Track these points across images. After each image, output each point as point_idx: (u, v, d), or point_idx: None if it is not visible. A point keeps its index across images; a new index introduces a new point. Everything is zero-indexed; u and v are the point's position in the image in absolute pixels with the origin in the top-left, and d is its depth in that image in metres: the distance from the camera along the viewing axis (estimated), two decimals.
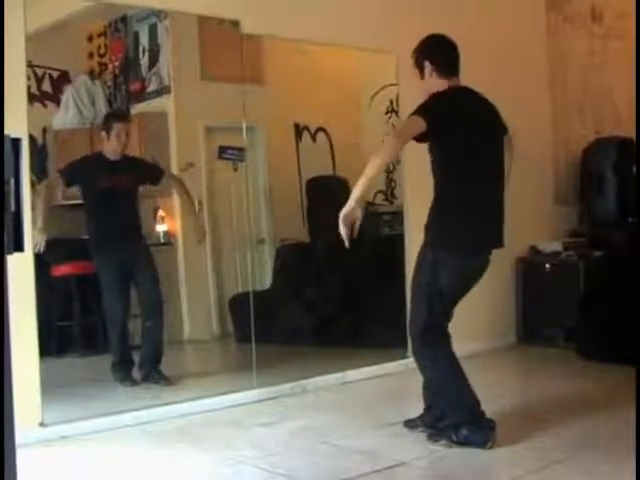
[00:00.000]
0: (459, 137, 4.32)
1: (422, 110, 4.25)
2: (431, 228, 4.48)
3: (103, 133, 6.39)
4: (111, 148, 6.33)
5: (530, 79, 7.71)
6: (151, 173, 6.71)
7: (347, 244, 4.16)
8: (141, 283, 6.41)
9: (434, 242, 4.45)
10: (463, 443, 4.37)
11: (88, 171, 6.34)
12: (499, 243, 4.61)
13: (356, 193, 4.17)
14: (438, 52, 4.56)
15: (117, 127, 6.32)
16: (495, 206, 4.58)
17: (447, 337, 4.53)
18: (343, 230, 4.14)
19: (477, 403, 4.43)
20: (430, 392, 4.63)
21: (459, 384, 4.46)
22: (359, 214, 4.16)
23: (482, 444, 4.33)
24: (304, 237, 8.55)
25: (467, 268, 4.47)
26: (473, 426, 4.38)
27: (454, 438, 4.40)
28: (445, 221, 4.44)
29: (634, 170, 7.24)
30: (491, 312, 7.15)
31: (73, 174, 6.35)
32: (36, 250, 5.99)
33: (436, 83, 4.49)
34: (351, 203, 4.14)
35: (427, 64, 4.51)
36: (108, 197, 6.26)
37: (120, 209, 6.38)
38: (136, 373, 6.31)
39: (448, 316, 4.55)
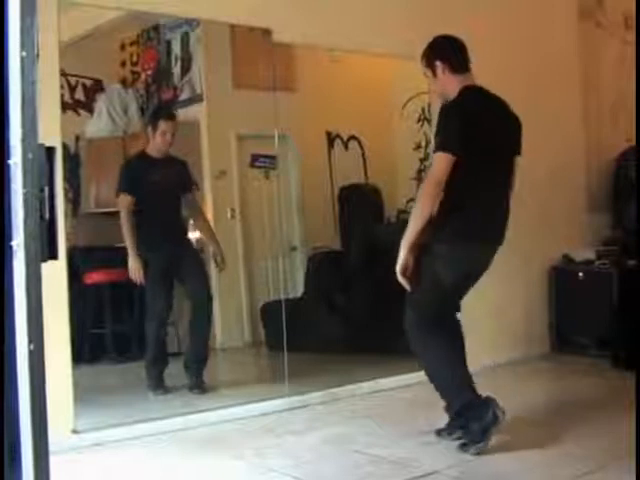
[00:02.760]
0: (475, 151, 4.38)
1: (444, 144, 4.36)
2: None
3: (149, 129, 6.40)
4: (155, 147, 6.34)
5: (562, 87, 7.68)
6: (185, 181, 6.66)
7: (410, 289, 4.46)
8: (188, 280, 6.43)
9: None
10: (480, 435, 4.36)
11: (137, 173, 6.34)
12: (497, 239, 4.64)
13: (404, 245, 4.39)
14: (448, 50, 4.69)
15: (163, 125, 6.31)
16: (497, 207, 4.63)
17: (442, 324, 4.60)
18: (403, 280, 4.44)
19: (471, 385, 4.49)
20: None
21: (452, 369, 4.54)
22: (411, 261, 4.40)
23: (495, 421, 4.33)
24: (336, 245, 8.56)
25: (462, 256, 4.51)
26: (474, 412, 4.40)
27: (476, 438, 4.39)
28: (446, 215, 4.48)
29: None
30: (524, 320, 7.11)
31: (131, 183, 6.30)
32: (139, 281, 6.11)
33: (449, 80, 4.61)
34: (402, 256, 4.39)
35: (438, 63, 4.63)
36: (156, 193, 6.26)
37: (166, 207, 6.40)
38: (168, 381, 6.33)
39: (451, 305, 4.64)
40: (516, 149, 4.70)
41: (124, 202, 6.22)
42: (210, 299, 6.53)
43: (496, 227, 4.63)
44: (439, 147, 4.38)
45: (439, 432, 4.77)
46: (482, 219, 4.51)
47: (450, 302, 4.66)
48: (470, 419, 4.43)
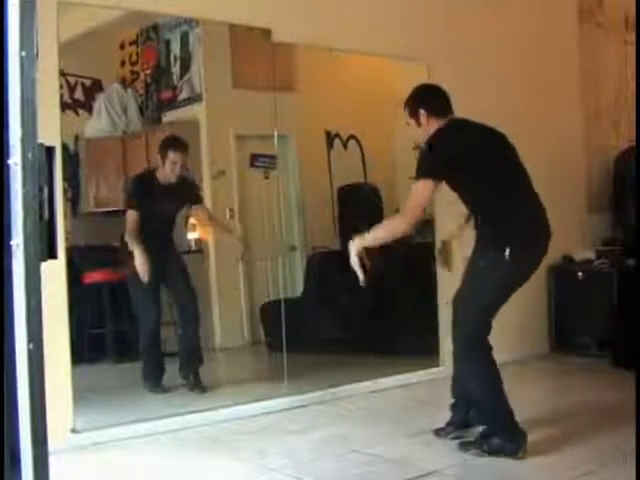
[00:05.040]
0: (475, 171, 4.44)
1: (425, 171, 4.39)
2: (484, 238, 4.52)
3: (158, 157, 6.36)
4: (164, 175, 6.31)
5: (562, 88, 7.67)
6: (193, 197, 6.70)
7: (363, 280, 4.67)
8: (175, 289, 6.43)
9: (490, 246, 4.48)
10: (494, 452, 4.34)
11: (144, 194, 6.32)
12: (547, 236, 4.63)
13: (358, 245, 4.53)
14: (430, 98, 4.72)
15: (172, 156, 6.27)
16: (534, 204, 4.64)
17: (490, 345, 4.52)
18: (359, 270, 4.62)
19: (511, 412, 4.40)
20: (460, 387, 4.67)
21: (497, 392, 4.44)
22: (363, 254, 4.53)
23: (514, 453, 4.31)
24: (335, 245, 8.54)
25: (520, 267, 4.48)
26: (505, 435, 4.36)
27: (485, 447, 4.37)
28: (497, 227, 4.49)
29: None
30: (524, 321, 7.10)
31: (139, 201, 6.29)
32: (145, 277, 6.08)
33: (434, 125, 4.61)
34: (354, 252, 4.55)
35: (422, 111, 4.64)
36: (155, 217, 6.25)
37: (163, 226, 6.42)
38: (166, 381, 6.32)
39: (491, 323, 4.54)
40: (514, 158, 4.66)
41: (132, 218, 6.20)
42: (195, 298, 6.48)
43: (539, 224, 4.61)
44: (422, 174, 4.37)
45: (437, 431, 4.78)
46: (522, 220, 4.51)
47: (494, 313, 4.54)
48: (497, 433, 4.38)
